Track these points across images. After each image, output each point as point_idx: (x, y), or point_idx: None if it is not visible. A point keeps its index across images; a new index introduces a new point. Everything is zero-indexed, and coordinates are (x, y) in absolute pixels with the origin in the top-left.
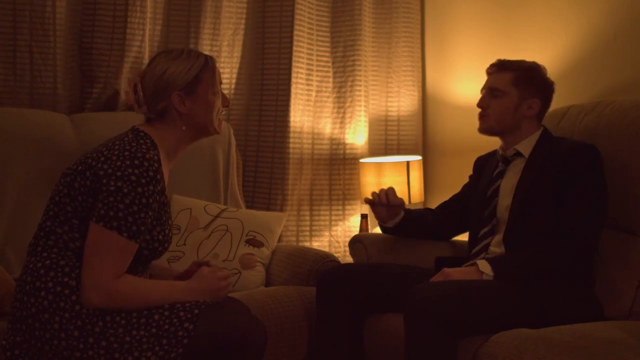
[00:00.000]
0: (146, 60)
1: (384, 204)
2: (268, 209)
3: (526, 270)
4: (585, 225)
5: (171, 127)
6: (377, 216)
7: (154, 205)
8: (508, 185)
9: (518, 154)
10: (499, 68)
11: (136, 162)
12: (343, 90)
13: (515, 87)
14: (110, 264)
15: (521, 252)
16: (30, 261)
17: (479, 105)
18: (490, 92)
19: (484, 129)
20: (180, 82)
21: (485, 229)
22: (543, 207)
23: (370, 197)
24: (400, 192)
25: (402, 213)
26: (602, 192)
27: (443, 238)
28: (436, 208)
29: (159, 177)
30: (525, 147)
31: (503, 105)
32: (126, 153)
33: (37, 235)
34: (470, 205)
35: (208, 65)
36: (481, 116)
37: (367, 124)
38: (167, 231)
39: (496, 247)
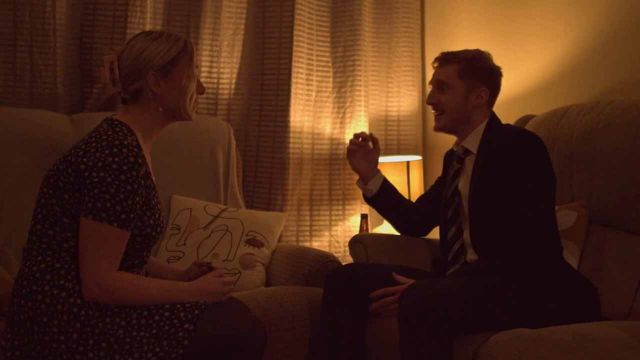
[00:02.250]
0: None
1: (368, 140)
2: (268, 209)
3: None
4: (525, 229)
5: (145, 108)
6: (357, 169)
7: (140, 191)
8: (464, 185)
9: (468, 151)
10: (442, 61)
11: (115, 150)
12: (343, 90)
13: (460, 79)
14: (105, 256)
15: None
16: (25, 265)
17: (428, 101)
18: (437, 86)
19: (439, 128)
20: (156, 63)
21: (452, 231)
22: (496, 205)
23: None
24: (401, 192)
25: (380, 174)
26: (542, 184)
27: (418, 231)
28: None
29: (140, 161)
30: (472, 142)
31: (452, 99)
32: (104, 143)
33: (29, 240)
34: (439, 201)
35: (186, 50)
36: (436, 115)
37: (367, 124)
38: (157, 215)
39: (469, 248)
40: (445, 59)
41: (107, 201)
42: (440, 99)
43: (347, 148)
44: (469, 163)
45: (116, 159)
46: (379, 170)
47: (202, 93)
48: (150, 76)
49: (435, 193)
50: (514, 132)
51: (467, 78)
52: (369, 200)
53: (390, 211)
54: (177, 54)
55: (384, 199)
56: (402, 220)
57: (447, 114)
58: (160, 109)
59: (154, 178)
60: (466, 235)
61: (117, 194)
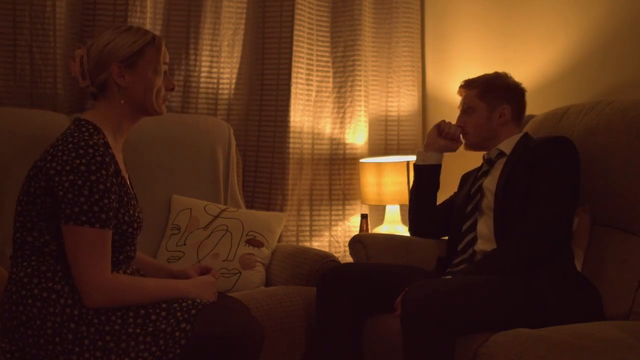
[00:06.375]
0: None
1: (454, 138)
2: (268, 209)
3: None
4: (541, 227)
5: (111, 102)
6: (430, 136)
7: (113, 189)
8: (490, 182)
9: (501, 154)
10: (465, 87)
11: (81, 151)
12: (343, 90)
13: (481, 100)
14: (97, 259)
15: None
16: (12, 272)
17: (457, 123)
18: (464, 111)
19: (468, 146)
20: (121, 54)
21: (468, 224)
22: (521, 200)
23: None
24: (400, 192)
25: (441, 159)
26: (564, 186)
27: (431, 230)
28: None
29: (107, 160)
30: (507, 146)
31: (476, 120)
32: (69, 146)
33: (14, 248)
34: (453, 207)
35: (154, 43)
36: (463, 135)
37: (367, 124)
38: (132, 211)
39: (484, 240)
40: (467, 85)
41: (84, 204)
42: (467, 121)
43: (450, 124)
44: (499, 166)
45: (83, 161)
46: (441, 157)
47: (172, 89)
48: (114, 67)
49: (450, 205)
50: (548, 136)
51: (487, 98)
52: (417, 167)
53: (424, 190)
54: (143, 46)
55: (428, 176)
56: (425, 211)
57: (471, 133)
58: (123, 102)
59: (126, 175)
60: (480, 227)
61: (91, 195)
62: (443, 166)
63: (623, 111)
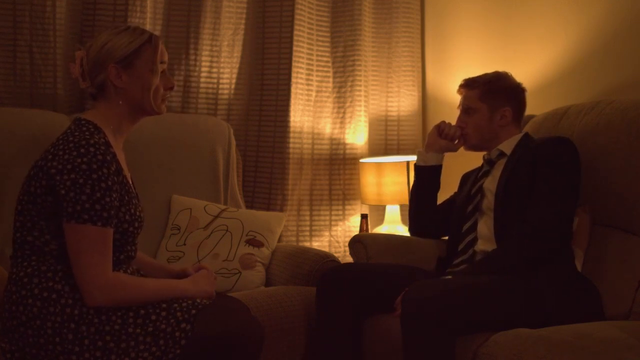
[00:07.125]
0: None
1: (454, 139)
2: (268, 209)
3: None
4: (541, 228)
5: (110, 102)
6: (430, 136)
7: (114, 187)
8: (491, 182)
9: (501, 154)
10: (466, 87)
11: (82, 150)
12: (343, 90)
13: (482, 102)
14: (98, 257)
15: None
16: (13, 272)
17: (457, 124)
18: (464, 111)
19: (469, 147)
20: (118, 55)
21: (468, 224)
22: (522, 200)
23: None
24: (400, 192)
25: (442, 160)
26: (564, 186)
27: (431, 231)
28: None
29: (108, 158)
30: (507, 146)
31: (477, 122)
32: (70, 145)
33: (14, 248)
34: (453, 207)
35: (151, 42)
36: (462, 136)
37: (367, 124)
38: (133, 210)
39: (484, 241)
40: (467, 85)
41: (86, 202)
42: (468, 122)
43: (450, 125)
44: (499, 166)
45: (84, 159)
46: (442, 158)
47: (171, 88)
48: (111, 68)
49: (450, 205)
50: (548, 137)
51: (488, 100)
52: (418, 168)
53: (424, 190)
54: (139, 46)
55: (429, 176)
56: (425, 211)
57: (471, 135)
58: (121, 102)
59: (128, 175)
60: (480, 228)
61: (93, 194)
62: (443, 166)
63: (623, 111)
